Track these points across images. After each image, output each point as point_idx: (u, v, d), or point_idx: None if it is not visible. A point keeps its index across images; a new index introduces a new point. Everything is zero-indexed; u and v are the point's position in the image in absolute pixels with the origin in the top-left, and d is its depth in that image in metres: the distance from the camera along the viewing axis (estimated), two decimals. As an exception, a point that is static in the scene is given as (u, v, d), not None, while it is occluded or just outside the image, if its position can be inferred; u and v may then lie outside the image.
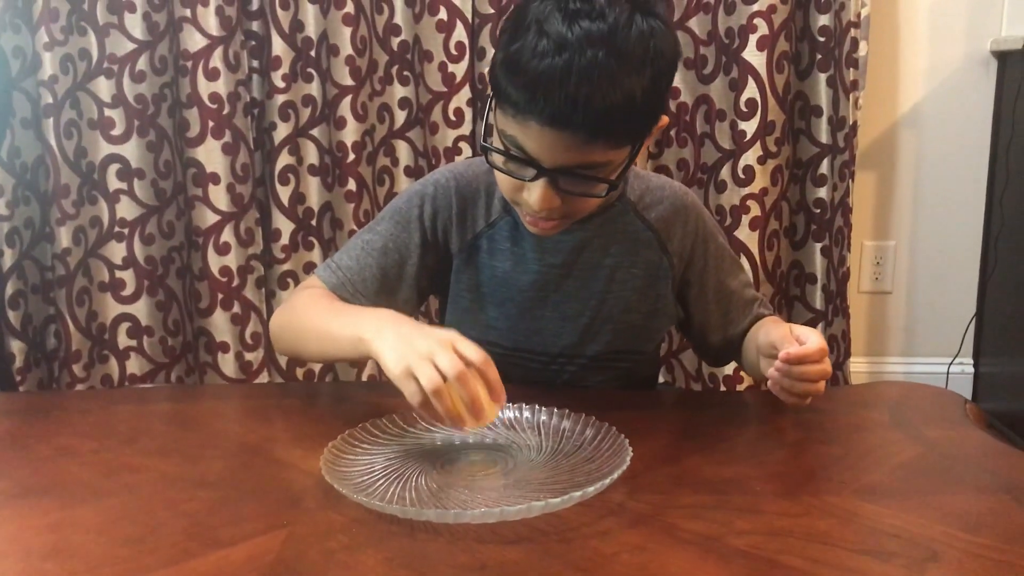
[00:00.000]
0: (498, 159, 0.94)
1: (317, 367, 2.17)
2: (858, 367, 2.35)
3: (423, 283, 1.08)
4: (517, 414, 0.91)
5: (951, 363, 2.34)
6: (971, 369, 2.36)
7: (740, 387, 2.12)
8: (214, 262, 2.07)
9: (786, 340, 0.92)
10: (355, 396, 1.06)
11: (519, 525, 0.71)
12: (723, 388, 2.15)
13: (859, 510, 0.74)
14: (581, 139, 0.86)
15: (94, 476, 0.80)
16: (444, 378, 0.79)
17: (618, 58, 0.84)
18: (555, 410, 0.90)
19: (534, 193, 0.91)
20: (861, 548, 0.68)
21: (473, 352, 0.81)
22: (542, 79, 0.84)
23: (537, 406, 0.91)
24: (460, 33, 2.06)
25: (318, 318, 0.98)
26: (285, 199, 2.10)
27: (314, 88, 2.06)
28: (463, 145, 2.12)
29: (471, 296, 1.09)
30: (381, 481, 0.78)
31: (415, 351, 0.81)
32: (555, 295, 1.07)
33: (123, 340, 2.17)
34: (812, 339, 0.91)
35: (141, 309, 2.16)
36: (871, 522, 0.72)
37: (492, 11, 2.06)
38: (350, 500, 0.73)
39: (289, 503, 0.75)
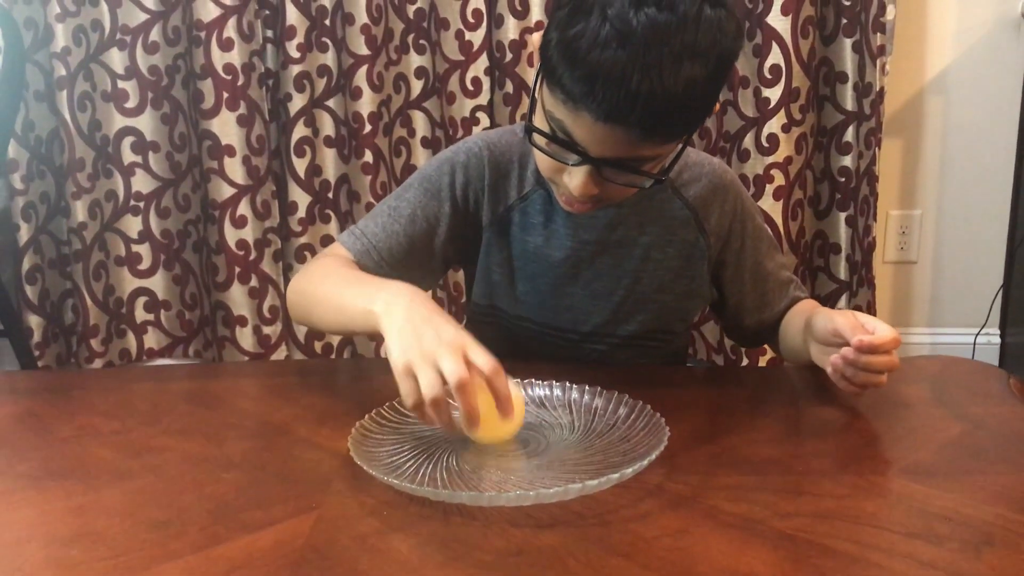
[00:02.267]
0: (541, 140, 0.88)
1: (335, 340, 2.16)
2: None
3: (450, 254, 1.05)
4: (547, 392, 0.89)
5: (978, 334, 2.30)
6: (998, 340, 2.32)
7: (763, 359, 2.10)
8: (231, 235, 2.05)
9: (855, 329, 0.87)
10: (378, 374, 1.03)
11: (555, 508, 0.68)
12: (745, 361, 2.13)
13: (907, 491, 0.72)
14: (635, 136, 0.82)
15: (117, 457, 0.78)
16: (446, 382, 0.73)
17: (684, 55, 0.78)
18: (586, 387, 0.87)
19: (575, 179, 0.87)
20: (911, 531, 0.65)
21: (483, 360, 0.74)
22: (601, 72, 0.78)
23: (568, 383, 0.88)
24: (477, 0, 2.02)
25: (333, 286, 0.94)
26: (301, 171, 2.07)
27: (329, 58, 2.02)
28: (480, 115, 2.08)
29: (501, 270, 1.06)
30: (411, 462, 0.76)
31: (420, 347, 0.75)
32: (587, 272, 1.04)
33: (140, 314, 2.16)
34: (883, 329, 0.86)
35: (158, 283, 2.15)
36: (920, 503, 0.69)
37: (510, -23, 2.01)
38: (380, 482, 0.71)
39: (317, 485, 0.73)
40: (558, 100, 0.84)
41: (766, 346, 1.17)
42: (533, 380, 0.90)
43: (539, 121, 0.88)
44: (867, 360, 0.85)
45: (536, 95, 0.89)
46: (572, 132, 0.84)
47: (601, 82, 0.79)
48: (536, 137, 0.89)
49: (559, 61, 0.82)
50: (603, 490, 0.70)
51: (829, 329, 0.91)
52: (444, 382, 0.73)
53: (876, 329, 0.86)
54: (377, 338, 0.83)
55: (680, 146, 0.89)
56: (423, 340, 0.76)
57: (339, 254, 1.01)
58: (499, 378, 0.75)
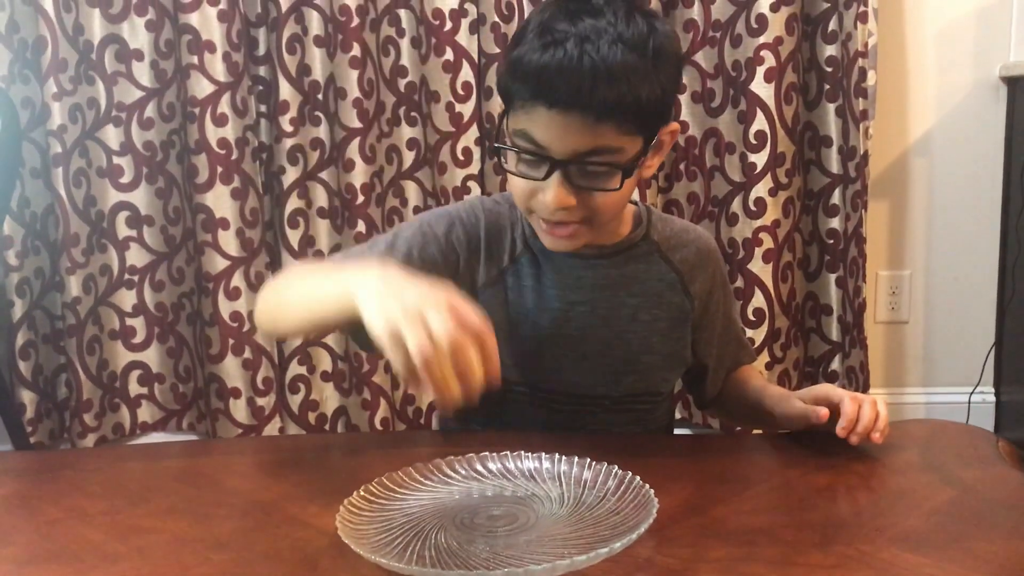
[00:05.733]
0: (511, 160, 0.94)
1: (329, 411, 2.15)
2: (877, 397, 2.31)
3: None
4: (537, 464, 0.88)
5: (972, 392, 2.30)
6: (992, 398, 2.32)
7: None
8: (224, 307, 2.06)
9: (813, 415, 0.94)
10: (369, 448, 1.03)
11: (544, 584, 0.68)
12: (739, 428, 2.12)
13: (896, 560, 0.71)
14: (591, 120, 0.87)
15: (105, 539, 0.78)
16: (436, 342, 0.70)
17: (623, 45, 0.87)
18: (576, 459, 0.87)
19: (549, 192, 0.91)
20: (901, 602, 0.65)
21: (471, 316, 0.72)
22: (549, 66, 0.87)
23: (557, 455, 0.88)
24: (467, 73, 2.06)
25: (304, 281, 0.93)
26: (295, 243, 2.09)
27: (322, 131, 2.06)
28: (472, 184, 2.11)
29: (495, 333, 1.06)
30: (399, 539, 0.76)
31: (404, 308, 0.71)
32: (576, 334, 1.05)
33: (134, 388, 2.16)
34: (846, 404, 0.93)
35: (152, 356, 2.16)
36: (910, 574, 0.69)
37: (498, 50, 2.06)
38: (368, 561, 0.71)
39: (304, 566, 0.73)
40: (517, 112, 0.91)
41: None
42: (522, 452, 0.90)
43: (506, 154, 0.95)
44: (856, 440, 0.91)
45: (502, 127, 0.95)
46: (534, 135, 0.90)
47: (549, 74, 0.87)
48: (506, 159, 0.95)
49: (509, 78, 0.91)
50: (592, 565, 0.70)
51: (795, 420, 0.98)
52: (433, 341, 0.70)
53: (840, 403, 0.93)
54: (355, 321, 0.77)
55: (643, 146, 0.93)
56: (404, 298, 0.73)
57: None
58: (488, 336, 0.73)
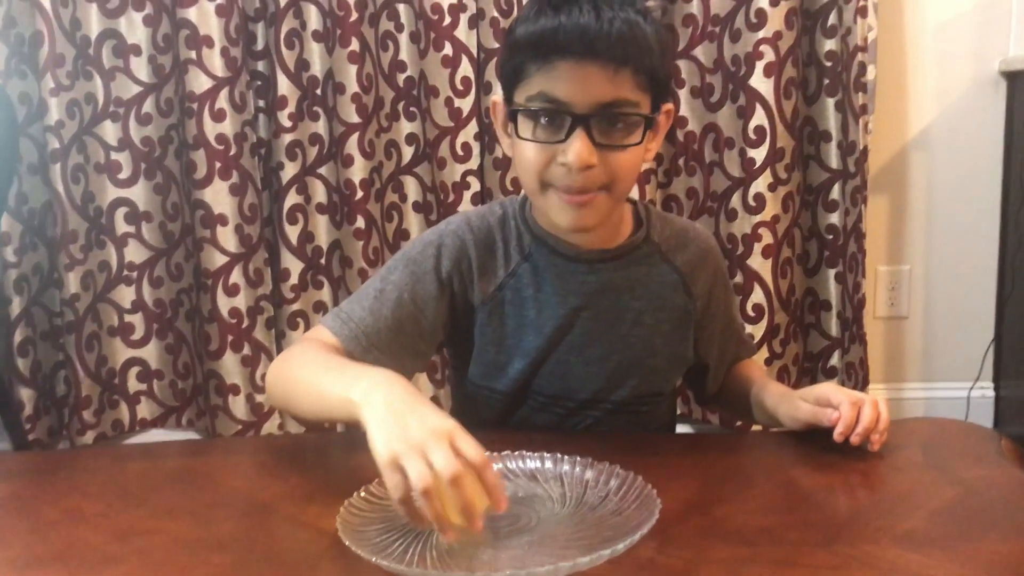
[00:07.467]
0: (527, 128, 0.94)
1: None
2: (877, 394, 2.29)
3: (438, 335, 1.05)
4: (539, 464, 0.88)
5: (971, 388, 2.30)
6: (992, 393, 2.32)
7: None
8: (223, 304, 2.05)
9: (821, 415, 0.94)
10: (369, 448, 1.03)
11: (546, 586, 0.68)
12: (739, 423, 2.12)
13: (900, 560, 0.71)
14: (610, 71, 0.90)
15: (104, 541, 0.78)
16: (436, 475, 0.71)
17: (630, 7, 0.92)
18: (577, 459, 0.87)
19: (571, 151, 0.91)
20: (906, 604, 0.65)
21: (472, 450, 0.73)
22: (561, 25, 0.90)
23: (559, 455, 0.88)
24: (466, 68, 2.05)
25: (311, 373, 0.92)
26: (294, 238, 2.08)
27: (321, 126, 2.05)
28: (471, 179, 2.10)
29: (496, 348, 1.05)
30: (400, 540, 0.75)
31: (406, 438, 0.73)
32: (580, 339, 1.05)
33: (133, 384, 2.15)
34: (845, 407, 0.92)
35: (151, 353, 2.15)
36: (914, 574, 0.69)
37: (497, 45, 2.05)
38: (369, 562, 0.70)
39: (305, 567, 0.72)
40: (531, 78, 0.93)
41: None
42: (524, 452, 0.89)
43: (520, 123, 0.95)
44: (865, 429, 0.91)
45: (510, 107, 0.96)
46: (554, 92, 0.91)
47: (565, 30, 0.90)
48: (523, 126, 0.94)
49: (516, 52, 0.94)
50: (595, 566, 0.69)
51: (801, 421, 0.98)
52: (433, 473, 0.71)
53: (840, 406, 0.92)
54: (358, 427, 0.81)
55: (651, 109, 0.95)
56: (408, 430, 0.74)
57: (323, 339, 0.99)
58: (489, 469, 0.73)
